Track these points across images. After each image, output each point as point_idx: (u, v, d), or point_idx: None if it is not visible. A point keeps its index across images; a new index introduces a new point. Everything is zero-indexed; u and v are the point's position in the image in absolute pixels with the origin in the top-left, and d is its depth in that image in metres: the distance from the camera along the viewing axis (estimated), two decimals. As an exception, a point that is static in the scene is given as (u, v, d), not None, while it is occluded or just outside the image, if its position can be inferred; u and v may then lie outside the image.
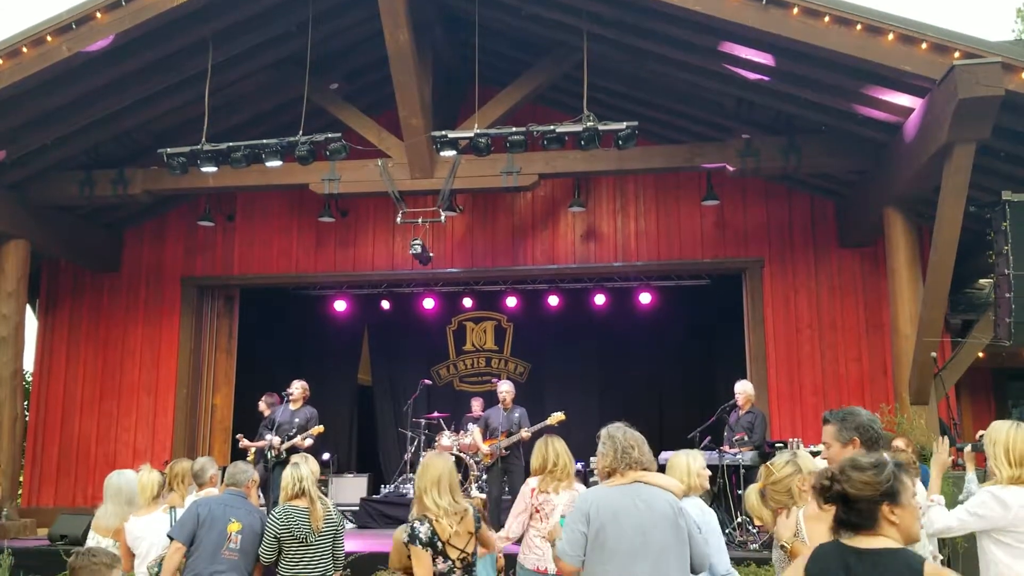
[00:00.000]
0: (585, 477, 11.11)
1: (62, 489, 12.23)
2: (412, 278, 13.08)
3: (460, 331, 15.55)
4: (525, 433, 9.99)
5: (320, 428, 10.42)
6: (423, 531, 4.54)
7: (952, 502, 7.49)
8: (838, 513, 2.77)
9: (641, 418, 15.68)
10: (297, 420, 10.36)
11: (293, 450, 9.94)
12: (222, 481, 6.11)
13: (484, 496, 9.50)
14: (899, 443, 6.00)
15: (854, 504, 2.72)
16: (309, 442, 10.24)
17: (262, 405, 11.29)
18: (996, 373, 12.86)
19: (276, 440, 10.18)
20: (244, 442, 11.05)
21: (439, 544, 4.52)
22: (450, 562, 4.54)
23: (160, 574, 5.52)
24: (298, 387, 10.60)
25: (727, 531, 9.41)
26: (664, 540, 3.75)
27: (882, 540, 2.70)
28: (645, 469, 3.96)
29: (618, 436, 4.02)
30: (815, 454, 5.16)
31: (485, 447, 10.31)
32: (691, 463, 5.03)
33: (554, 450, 5.92)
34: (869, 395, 10.68)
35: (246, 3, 9.03)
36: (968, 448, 7.01)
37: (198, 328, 12.73)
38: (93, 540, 6.11)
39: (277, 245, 12.60)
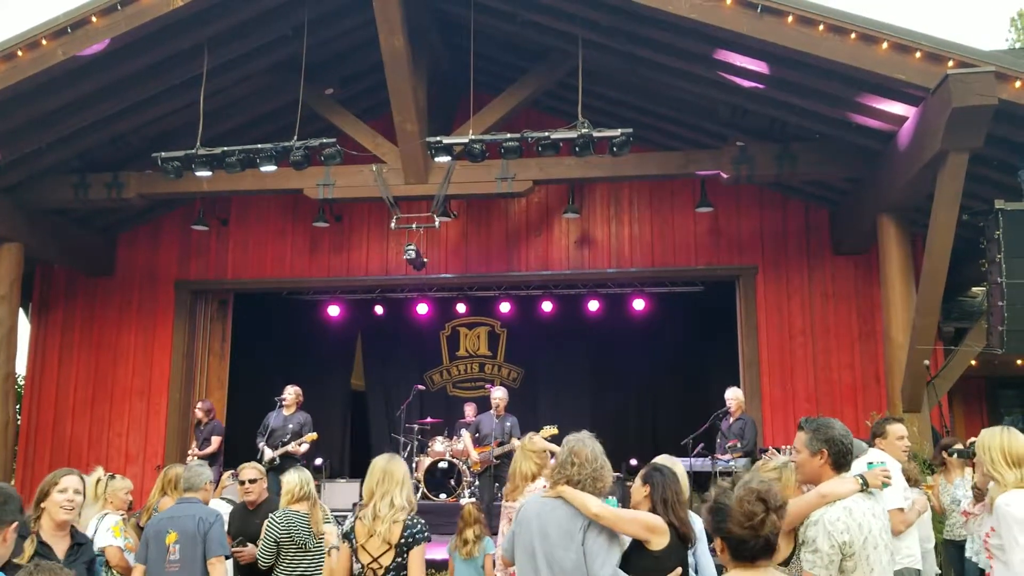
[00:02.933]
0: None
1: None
2: (406, 283, 13.08)
3: (454, 336, 15.56)
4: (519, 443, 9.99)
5: (313, 435, 10.41)
6: (347, 524, 4.55)
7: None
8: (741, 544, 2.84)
9: (634, 424, 15.66)
10: (291, 426, 10.39)
11: (287, 456, 9.97)
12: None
13: (476, 501, 9.47)
14: (897, 428, 5.82)
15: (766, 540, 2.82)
16: (304, 448, 10.25)
17: (199, 413, 11.31)
18: (989, 381, 12.90)
19: (268, 452, 10.17)
20: (192, 451, 11.05)
21: (353, 542, 4.48)
22: (360, 565, 4.46)
23: None
24: (291, 393, 10.61)
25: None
26: (553, 552, 3.88)
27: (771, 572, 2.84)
28: (592, 482, 4.01)
29: (566, 449, 4.11)
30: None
31: (475, 454, 10.30)
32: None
33: (514, 459, 6.03)
34: (862, 402, 10.70)
35: (241, 8, 9.01)
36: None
37: (191, 332, 12.71)
38: None
39: (271, 250, 12.59)
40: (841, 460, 3.62)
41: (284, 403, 10.58)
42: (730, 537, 2.78)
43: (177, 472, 6.87)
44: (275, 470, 9.55)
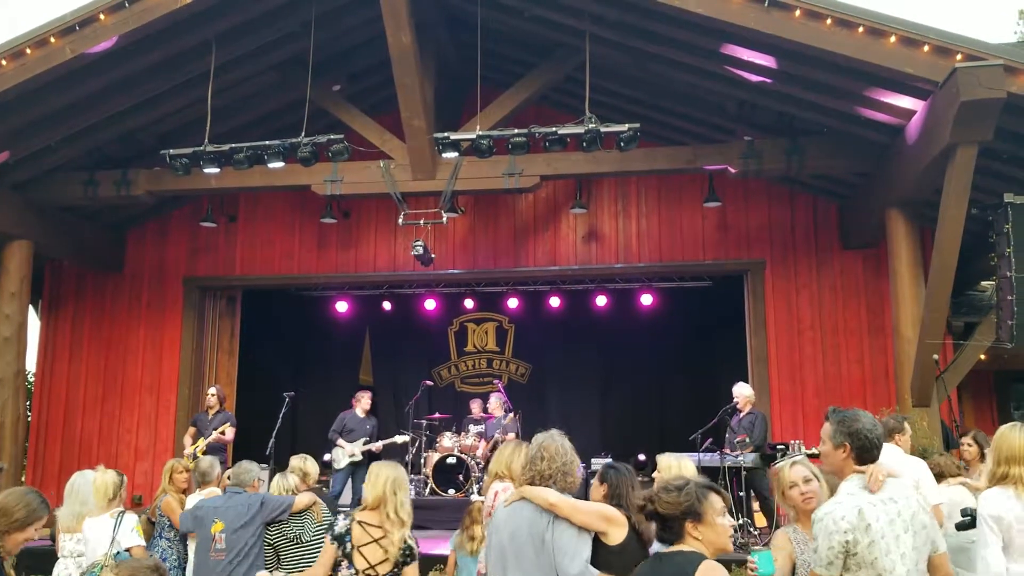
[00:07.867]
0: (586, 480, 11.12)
1: (64, 489, 12.21)
2: (414, 279, 13.08)
3: (461, 332, 15.57)
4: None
5: (407, 437, 12.13)
6: (340, 525, 4.50)
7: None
8: (657, 529, 3.27)
9: (642, 420, 15.61)
10: (368, 427, 11.50)
11: (370, 452, 11.18)
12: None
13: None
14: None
15: (664, 520, 3.19)
16: (379, 445, 11.39)
17: (211, 399, 11.27)
18: (998, 375, 12.85)
19: (349, 447, 11.20)
20: (216, 436, 10.54)
21: (348, 546, 4.43)
22: (353, 570, 4.41)
23: None
24: (366, 397, 11.76)
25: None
26: (521, 551, 3.92)
27: (681, 547, 3.14)
28: (562, 476, 4.03)
29: (535, 444, 4.14)
30: (814, 456, 5.11)
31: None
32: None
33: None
34: (871, 397, 10.66)
35: (249, 4, 9.03)
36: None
37: (200, 328, 12.75)
38: (71, 540, 6.13)
39: (279, 246, 12.61)
40: (865, 455, 3.54)
41: (359, 407, 11.57)
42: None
43: (171, 466, 7.01)
44: (355, 465, 10.95)
